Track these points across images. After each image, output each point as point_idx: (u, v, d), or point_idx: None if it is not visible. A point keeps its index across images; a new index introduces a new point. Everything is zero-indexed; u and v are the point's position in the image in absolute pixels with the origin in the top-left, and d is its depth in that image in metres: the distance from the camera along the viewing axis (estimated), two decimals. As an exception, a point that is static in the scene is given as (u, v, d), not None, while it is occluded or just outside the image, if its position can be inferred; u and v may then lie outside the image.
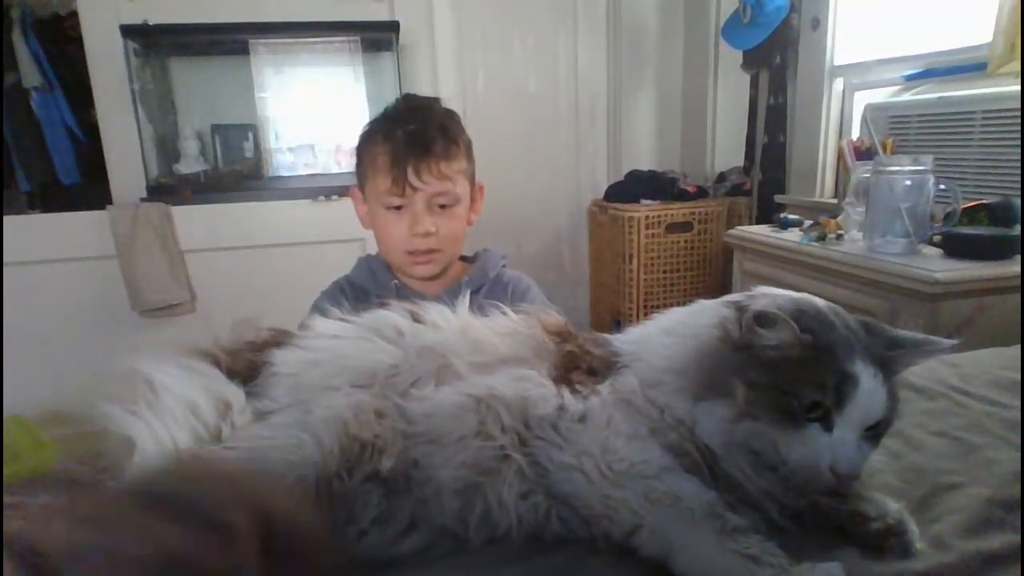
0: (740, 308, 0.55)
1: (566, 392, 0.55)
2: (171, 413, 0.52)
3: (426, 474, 0.51)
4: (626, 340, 0.61)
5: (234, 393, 0.55)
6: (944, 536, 0.51)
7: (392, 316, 0.63)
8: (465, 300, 0.67)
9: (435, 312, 0.64)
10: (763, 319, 0.51)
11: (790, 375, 0.50)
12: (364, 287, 1.18)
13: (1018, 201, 1.63)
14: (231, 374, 0.58)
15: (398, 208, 1.09)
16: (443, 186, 1.09)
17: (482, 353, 0.58)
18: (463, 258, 1.24)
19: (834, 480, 0.48)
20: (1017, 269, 1.46)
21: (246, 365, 0.60)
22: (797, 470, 0.49)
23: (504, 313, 0.65)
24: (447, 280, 1.18)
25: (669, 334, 0.58)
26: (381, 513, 0.49)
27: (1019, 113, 1.74)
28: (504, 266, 1.23)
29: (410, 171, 1.06)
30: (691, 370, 0.53)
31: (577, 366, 0.58)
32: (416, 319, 0.63)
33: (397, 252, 1.13)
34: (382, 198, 1.10)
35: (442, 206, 1.11)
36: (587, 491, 0.49)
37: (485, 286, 1.18)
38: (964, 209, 1.65)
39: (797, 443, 0.49)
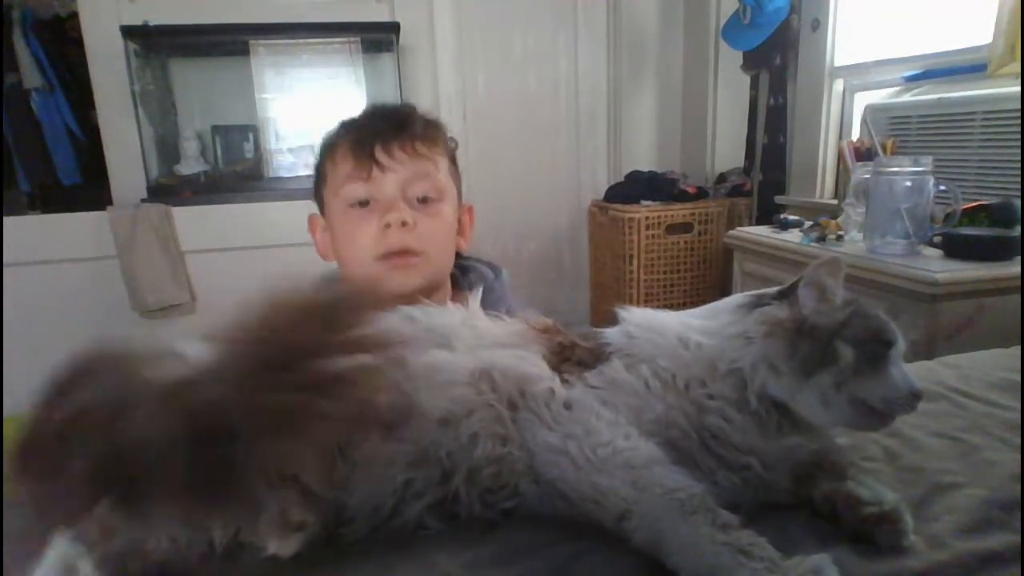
0: (761, 300, 0.61)
1: (556, 379, 0.56)
2: None
3: (419, 409, 0.54)
4: (618, 332, 0.62)
5: None
6: (942, 535, 0.51)
7: (406, 308, 0.65)
8: (477, 296, 0.67)
9: (446, 308, 0.66)
10: (793, 288, 0.59)
11: (869, 326, 0.57)
12: None
13: (1018, 202, 1.63)
14: None
15: (364, 205, 0.88)
16: (421, 166, 0.88)
17: (481, 339, 0.60)
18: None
19: (915, 402, 0.56)
20: (1017, 270, 1.46)
21: None
22: (895, 404, 0.56)
23: (501, 319, 0.66)
24: None
25: (705, 333, 0.60)
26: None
27: (1019, 114, 1.74)
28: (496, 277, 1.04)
29: (377, 148, 0.86)
30: (785, 355, 0.56)
31: (567, 358, 0.60)
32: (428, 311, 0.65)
33: (366, 263, 0.88)
34: (343, 190, 0.88)
35: (422, 200, 0.89)
36: (574, 476, 0.50)
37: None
38: (964, 210, 1.65)
39: (887, 381, 0.56)
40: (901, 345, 0.58)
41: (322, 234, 0.98)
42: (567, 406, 0.54)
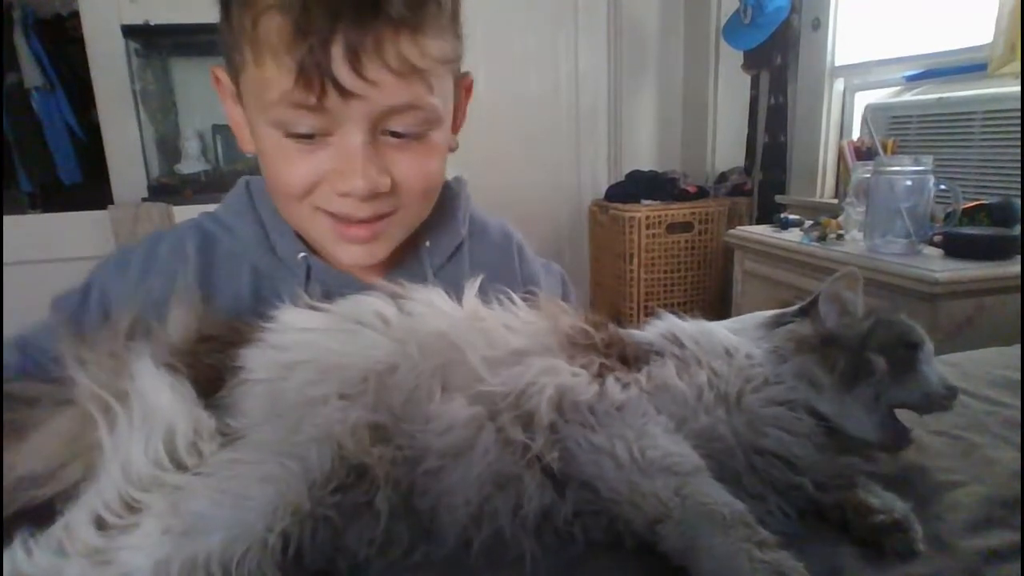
0: (782, 319, 0.61)
1: (610, 379, 0.52)
2: (146, 433, 0.43)
3: (433, 493, 0.46)
4: (660, 335, 0.60)
5: (201, 417, 0.45)
6: (944, 534, 0.51)
7: (372, 301, 0.53)
8: (474, 285, 0.57)
9: (432, 294, 0.55)
10: (813, 304, 0.60)
11: (894, 332, 0.58)
12: (237, 251, 0.67)
13: (1018, 201, 1.63)
14: (194, 385, 0.46)
15: (308, 137, 0.56)
16: (409, 91, 0.55)
17: (496, 347, 0.52)
18: None
19: (953, 397, 0.58)
20: (1017, 269, 1.47)
21: (207, 372, 0.48)
22: (931, 401, 0.58)
23: (513, 303, 0.57)
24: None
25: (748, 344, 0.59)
26: (376, 541, 0.44)
27: (1019, 113, 1.74)
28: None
29: (338, 51, 0.50)
30: (822, 371, 0.56)
31: (612, 354, 0.55)
32: (404, 305, 0.54)
33: (304, 213, 0.61)
34: (275, 111, 0.54)
35: (398, 134, 0.57)
36: (614, 475, 0.47)
37: (459, 251, 0.73)
38: (964, 209, 1.66)
39: (923, 380, 0.57)
40: (930, 345, 0.59)
41: (231, 104, 0.64)
42: (619, 408, 0.50)
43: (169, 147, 2.73)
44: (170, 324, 0.52)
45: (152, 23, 2.52)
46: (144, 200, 2.51)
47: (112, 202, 2.51)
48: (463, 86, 0.66)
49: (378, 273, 0.68)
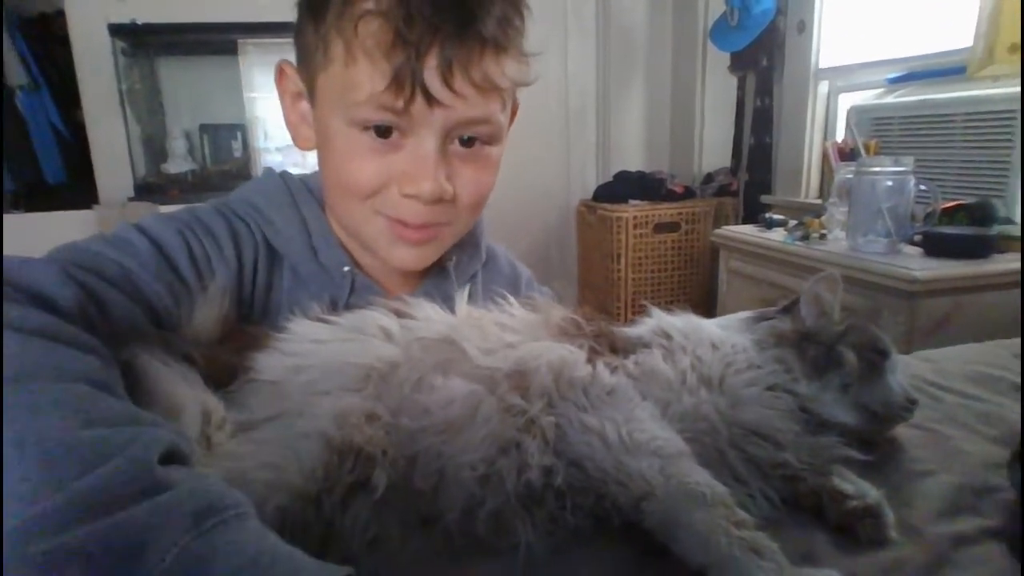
0: (764, 316, 0.65)
1: (600, 364, 0.55)
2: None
3: (436, 465, 0.47)
4: (650, 328, 0.62)
5: (214, 404, 0.48)
6: (915, 521, 0.53)
7: (375, 315, 0.56)
8: (464, 294, 0.60)
9: (429, 309, 0.58)
10: (794, 304, 0.64)
11: (866, 337, 0.62)
12: (279, 247, 0.68)
13: (995, 202, 1.67)
14: (207, 378, 0.50)
15: (384, 133, 0.59)
16: (486, 106, 0.59)
17: (491, 340, 0.54)
18: None
19: (912, 407, 0.63)
20: (994, 267, 1.50)
21: (223, 368, 0.51)
22: (892, 409, 0.62)
23: (509, 304, 0.60)
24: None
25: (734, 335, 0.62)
26: (372, 531, 0.45)
27: (997, 115, 1.78)
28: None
29: (431, 62, 0.55)
30: (795, 359, 0.60)
31: (602, 343, 0.58)
32: (405, 318, 0.57)
33: (363, 214, 0.64)
34: (359, 110, 0.58)
35: (467, 142, 0.61)
36: (602, 455, 0.49)
37: (475, 276, 0.78)
38: (943, 209, 1.69)
39: (886, 388, 0.62)
40: (896, 357, 0.63)
41: (295, 102, 0.68)
42: (609, 392, 0.53)
43: (155, 147, 2.72)
44: (196, 318, 0.56)
45: (139, 22, 2.51)
46: (130, 200, 2.50)
47: (98, 202, 2.51)
48: (512, 109, 0.69)
49: (410, 287, 0.72)
